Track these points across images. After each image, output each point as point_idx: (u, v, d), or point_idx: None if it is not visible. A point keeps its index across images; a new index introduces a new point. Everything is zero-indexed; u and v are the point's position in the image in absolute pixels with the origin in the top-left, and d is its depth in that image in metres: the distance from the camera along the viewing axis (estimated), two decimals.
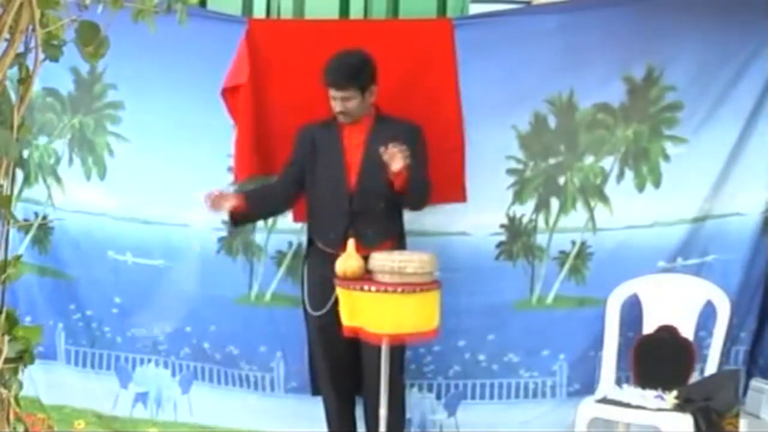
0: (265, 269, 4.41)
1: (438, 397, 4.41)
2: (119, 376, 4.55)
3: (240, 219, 4.11)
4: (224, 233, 4.41)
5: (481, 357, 4.38)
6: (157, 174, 4.43)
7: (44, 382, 4.49)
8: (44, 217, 4.44)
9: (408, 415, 4.25)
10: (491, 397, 4.40)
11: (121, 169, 4.47)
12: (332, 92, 3.98)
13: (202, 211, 4.34)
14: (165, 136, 4.42)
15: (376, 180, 3.93)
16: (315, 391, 4.29)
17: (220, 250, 4.42)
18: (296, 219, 4.34)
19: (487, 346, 4.37)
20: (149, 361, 4.52)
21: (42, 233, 4.52)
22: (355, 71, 3.96)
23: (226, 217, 4.13)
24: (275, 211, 4.29)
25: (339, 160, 4.01)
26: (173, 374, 4.51)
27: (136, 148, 4.45)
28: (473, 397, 4.40)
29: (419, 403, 4.40)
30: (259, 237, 4.41)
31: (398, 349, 3.95)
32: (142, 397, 4.53)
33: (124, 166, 4.47)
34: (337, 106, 4.00)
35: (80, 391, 4.56)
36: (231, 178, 4.36)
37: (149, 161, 4.45)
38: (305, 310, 4.11)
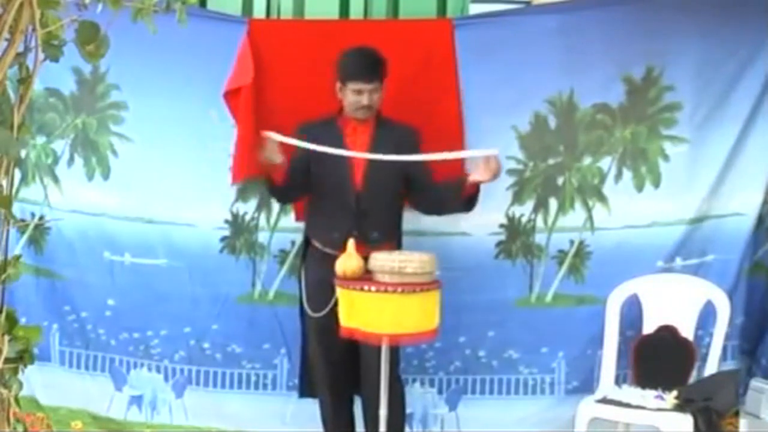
0: (268, 268, 4.42)
1: (439, 392, 4.44)
2: (114, 379, 4.54)
3: (276, 187, 4.05)
4: (227, 232, 4.42)
5: (482, 353, 4.40)
6: (160, 173, 4.43)
7: (39, 382, 4.48)
8: (41, 217, 4.44)
9: (410, 410, 4.27)
10: (491, 392, 4.42)
11: (125, 169, 4.47)
12: (359, 86, 3.95)
13: (206, 210, 4.36)
14: (168, 136, 4.42)
15: (383, 180, 3.93)
16: (302, 393, 4.31)
17: (223, 249, 4.43)
18: (298, 218, 4.35)
19: (487, 342, 4.39)
20: (142, 365, 4.52)
21: (38, 233, 4.52)
22: (380, 63, 3.97)
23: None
24: (298, 194, 4.20)
25: (343, 159, 3.99)
26: (166, 379, 4.50)
27: (140, 148, 4.45)
28: (473, 393, 4.42)
29: (421, 397, 4.43)
30: (261, 236, 4.42)
31: (396, 348, 3.95)
32: (136, 400, 4.53)
33: (128, 166, 4.47)
34: (363, 100, 3.97)
35: (75, 393, 4.55)
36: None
37: (153, 161, 4.44)
38: (302, 311, 4.11)
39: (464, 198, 3.95)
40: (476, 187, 3.92)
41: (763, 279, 4.42)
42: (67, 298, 4.54)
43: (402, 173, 3.99)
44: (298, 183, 4.07)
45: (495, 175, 3.86)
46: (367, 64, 3.95)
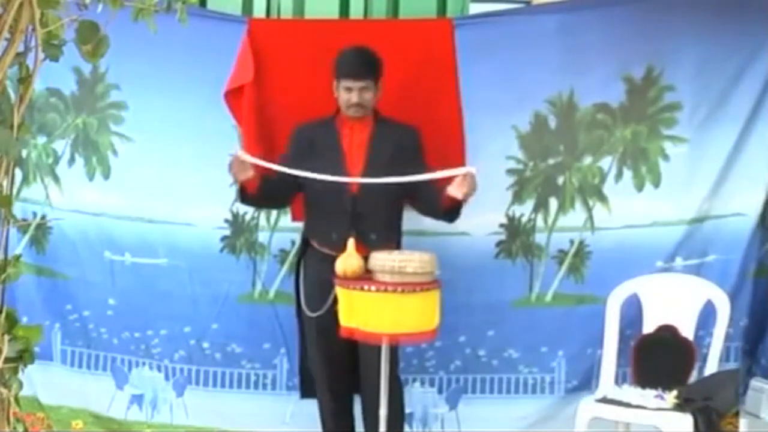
0: (268, 267, 4.43)
1: (439, 391, 4.44)
2: (115, 378, 4.55)
3: (248, 197, 4.05)
4: (227, 232, 4.43)
5: (482, 352, 4.41)
6: (160, 173, 4.43)
7: (41, 382, 4.48)
8: (43, 217, 4.45)
9: (410, 410, 4.28)
10: (491, 391, 4.43)
11: (125, 169, 4.47)
12: (349, 83, 3.96)
13: (206, 210, 4.36)
14: (168, 136, 4.42)
15: (379, 183, 3.92)
16: (303, 394, 4.29)
17: (223, 248, 4.43)
18: (295, 218, 4.35)
19: (487, 341, 4.40)
20: (143, 364, 4.52)
21: (40, 233, 4.52)
22: (373, 62, 3.98)
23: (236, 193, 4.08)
24: (277, 203, 4.27)
25: (339, 160, 3.98)
26: (166, 378, 4.51)
27: (140, 148, 4.45)
28: (473, 392, 4.43)
29: (421, 397, 4.43)
30: (262, 236, 4.43)
31: (396, 348, 3.95)
32: (137, 399, 4.53)
33: (128, 165, 4.47)
34: (353, 98, 3.97)
35: (77, 392, 4.55)
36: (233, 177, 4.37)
37: (153, 161, 4.44)
38: (299, 312, 4.11)
39: (443, 210, 3.95)
40: (457, 201, 3.89)
41: (764, 279, 4.42)
42: (68, 297, 4.55)
43: (399, 175, 3.98)
44: (277, 192, 4.09)
45: (469, 193, 3.83)
46: (357, 63, 3.96)
